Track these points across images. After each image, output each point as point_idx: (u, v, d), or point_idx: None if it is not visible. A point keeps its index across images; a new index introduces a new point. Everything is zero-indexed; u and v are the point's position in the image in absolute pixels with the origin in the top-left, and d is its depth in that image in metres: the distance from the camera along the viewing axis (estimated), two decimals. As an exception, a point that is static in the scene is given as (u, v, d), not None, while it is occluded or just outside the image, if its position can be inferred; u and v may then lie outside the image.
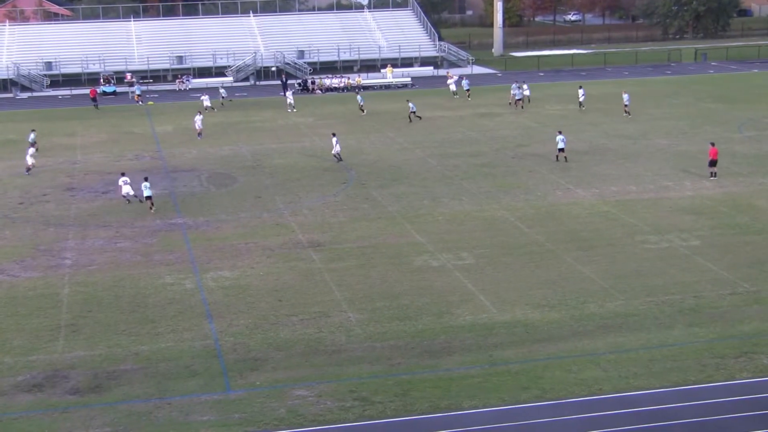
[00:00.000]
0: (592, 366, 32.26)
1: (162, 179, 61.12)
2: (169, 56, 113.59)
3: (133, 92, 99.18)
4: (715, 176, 56.89)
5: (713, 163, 57.05)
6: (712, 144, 58.13)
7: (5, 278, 42.90)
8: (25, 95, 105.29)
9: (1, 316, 38.29)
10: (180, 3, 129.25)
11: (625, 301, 38.18)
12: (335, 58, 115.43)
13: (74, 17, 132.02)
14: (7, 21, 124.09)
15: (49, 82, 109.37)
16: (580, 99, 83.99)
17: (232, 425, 28.91)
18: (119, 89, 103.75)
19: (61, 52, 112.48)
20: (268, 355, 33.98)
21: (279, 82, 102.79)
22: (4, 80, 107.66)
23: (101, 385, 31.94)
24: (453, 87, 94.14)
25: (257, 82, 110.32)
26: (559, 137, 62.10)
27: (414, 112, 79.70)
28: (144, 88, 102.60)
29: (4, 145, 74.62)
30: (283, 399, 30.51)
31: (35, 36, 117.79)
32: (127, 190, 54.35)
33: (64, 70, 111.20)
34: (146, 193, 53.55)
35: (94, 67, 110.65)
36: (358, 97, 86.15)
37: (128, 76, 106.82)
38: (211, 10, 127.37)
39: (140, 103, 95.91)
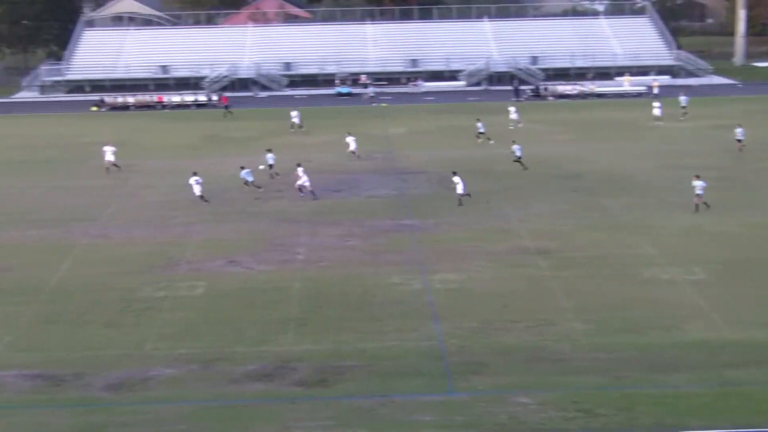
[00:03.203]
0: (831, 393, 30.73)
1: (393, 180, 62.04)
2: (403, 59, 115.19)
3: (366, 94, 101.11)
4: None
5: None
6: None
7: (241, 270, 44.52)
8: (264, 94, 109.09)
9: (236, 306, 39.77)
10: (415, 7, 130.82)
11: None
12: (568, 65, 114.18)
13: (313, 19, 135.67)
14: (250, 22, 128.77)
15: (287, 82, 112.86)
16: None
17: (453, 427, 29.03)
18: (354, 90, 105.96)
19: (300, 54, 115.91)
20: (491, 359, 33.94)
21: (511, 88, 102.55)
22: (246, 79, 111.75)
23: (327, 379, 32.69)
24: (658, 111, 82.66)
25: (489, 87, 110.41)
26: None
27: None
28: (378, 89, 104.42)
29: (243, 142, 77.44)
30: (504, 405, 30.40)
31: (276, 37, 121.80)
32: (197, 190, 56.22)
33: (301, 71, 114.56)
34: (249, 178, 58.08)
35: (330, 69, 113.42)
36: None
37: (363, 77, 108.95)
38: (445, 15, 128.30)
39: (374, 104, 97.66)
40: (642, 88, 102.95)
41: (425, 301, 39.91)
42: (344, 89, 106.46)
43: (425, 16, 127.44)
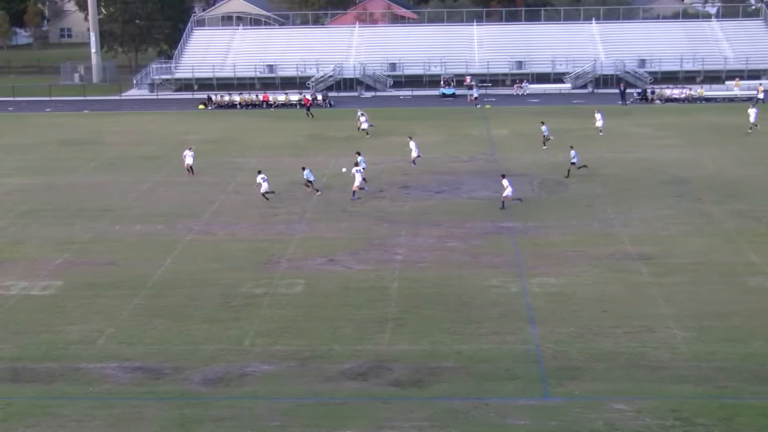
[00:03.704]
0: None
1: (495, 182, 61.67)
2: (508, 61, 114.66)
3: (471, 95, 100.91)
4: None
5: None
6: None
7: (340, 269, 44.76)
8: (369, 94, 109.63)
9: (334, 305, 40.00)
10: (522, 9, 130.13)
11: None
12: (677, 68, 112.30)
13: (419, 20, 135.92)
14: (357, 23, 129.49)
15: (392, 82, 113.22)
16: None
17: (547, 432, 28.84)
18: (458, 92, 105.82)
19: (405, 54, 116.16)
20: (588, 365, 33.55)
21: (617, 91, 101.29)
22: (351, 79, 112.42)
23: (422, 379, 32.65)
24: (753, 117, 78.96)
25: (595, 90, 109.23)
26: None
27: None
28: (482, 91, 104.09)
29: (347, 142, 77.87)
30: (600, 411, 30.01)
31: (382, 38, 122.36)
32: (265, 187, 56.93)
33: (406, 71, 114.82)
34: (310, 177, 59.00)
35: (435, 70, 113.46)
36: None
37: (467, 79, 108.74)
38: (553, 17, 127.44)
39: (477, 106, 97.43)
40: (753, 93, 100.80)
41: (523, 304, 39.63)
42: (449, 90, 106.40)
43: (532, 17, 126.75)
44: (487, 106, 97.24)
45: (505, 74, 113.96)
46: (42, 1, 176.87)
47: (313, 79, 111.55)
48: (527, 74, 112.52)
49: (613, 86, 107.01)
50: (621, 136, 78.47)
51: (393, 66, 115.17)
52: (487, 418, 29.79)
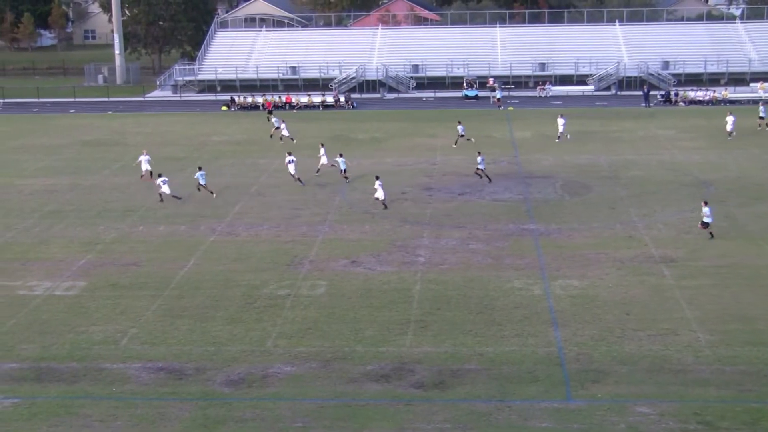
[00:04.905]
0: None
1: (517, 184, 61.67)
2: (531, 63, 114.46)
3: (494, 97, 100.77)
4: None
5: None
6: None
7: (362, 270, 44.78)
8: (391, 96, 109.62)
9: (356, 306, 40.03)
10: (546, 11, 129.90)
11: None
12: (701, 70, 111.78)
13: (442, 22, 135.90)
14: (380, 24, 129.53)
15: (414, 84, 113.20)
16: None
17: (570, 435, 28.77)
18: (481, 93, 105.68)
19: (428, 56, 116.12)
20: (611, 368, 33.45)
21: (641, 93, 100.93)
22: (374, 81, 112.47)
23: (445, 381, 32.65)
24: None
25: (618, 92, 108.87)
26: None
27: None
28: (505, 93, 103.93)
29: (370, 143, 77.95)
30: (623, 414, 29.94)
31: (404, 39, 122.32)
32: (165, 189, 57.68)
33: (429, 73, 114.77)
34: (202, 181, 59.09)
35: (458, 71, 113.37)
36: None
37: (490, 81, 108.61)
38: (576, 18, 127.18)
39: (500, 107, 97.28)
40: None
41: (546, 306, 39.55)
42: (471, 92, 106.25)
43: (555, 19, 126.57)
44: (510, 108, 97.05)
45: (528, 76, 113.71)
46: (67, 3, 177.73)
47: (335, 81, 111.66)
48: (550, 76, 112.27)
49: (636, 88, 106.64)
50: (644, 138, 78.19)
51: (416, 68, 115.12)
52: (509, 421, 29.76)
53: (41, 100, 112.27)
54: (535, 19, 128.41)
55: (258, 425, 29.89)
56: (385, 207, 55.64)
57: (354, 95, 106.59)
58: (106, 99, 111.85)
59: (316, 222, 53.47)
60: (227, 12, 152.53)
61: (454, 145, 74.54)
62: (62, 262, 47.14)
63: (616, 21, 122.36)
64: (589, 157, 69.84)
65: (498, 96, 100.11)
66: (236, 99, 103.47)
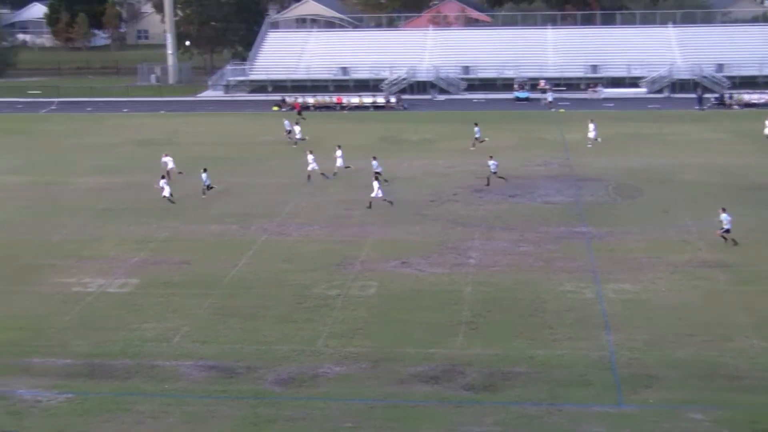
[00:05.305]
0: None
1: (569, 187, 61.31)
2: (583, 65, 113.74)
3: (545, 99, 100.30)
4: None
5: None
6: None
7: (413, 272, 44.73)
8: (442, 97, 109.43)
9: (406, 308, 40.00)
10: (598, 12, 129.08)
11: None
12: (756, 73, 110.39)
13: (493, 23, 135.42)
14: (431, 26, 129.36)
15: (465, 85, 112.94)
16: None
17: (622, 440, 28.54)
18: (532, 95, 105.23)
19: (479, 57, 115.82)
20: (663, 373, 33.14)
21: (694, 96, 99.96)
22: (424, 82, 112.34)
23: (495, 384, 32.53)
24: None
25: (671, 95, 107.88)
26: None
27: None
28: (556, 95, 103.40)
29: (421, 145, 77.89)
30: (676, 420, 29.66)
31: (455, 41, 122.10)
32: (167, 192, 58.17)
33: (480, 75, 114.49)
34: (206, 182, 59.40)
35: (509, 73, 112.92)
36: None
37: (541, 83, 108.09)
38: (629, 20, 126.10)
39: (552, 110, 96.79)
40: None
41: (598, 310, 39.28)
42: (522, 94, 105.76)
43: (608, 21, 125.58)
44: (561, 110, 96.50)
45: (580, 78, 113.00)
46: (120, 3, 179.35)
47: (386, 82, 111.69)
48: (602, 78, 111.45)
49: (689, 91, 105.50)
50: (697, 141, 77.43)
51: (466, 69, 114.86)
52: (559, 425, 29.61)
53: (95, 99, 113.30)
54: (587, 21, 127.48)
55: (307, 425, 29.96)
56: (391, 203, 56.46)
57: (404, 96, 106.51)
58: (158, 99, 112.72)
59: (366, 222, 53.50)
60: (278, 13, 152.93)
61: (472, 148, 74.27)
62: (115, 259, 47.57)
63: (670, 23, 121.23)
64: (641, 160, 69.25)
65: (549, 98, 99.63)
66: (287, 99, 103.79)
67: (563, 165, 68.77)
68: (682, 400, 31.11)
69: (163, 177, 59.61)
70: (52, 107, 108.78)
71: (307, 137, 78.40)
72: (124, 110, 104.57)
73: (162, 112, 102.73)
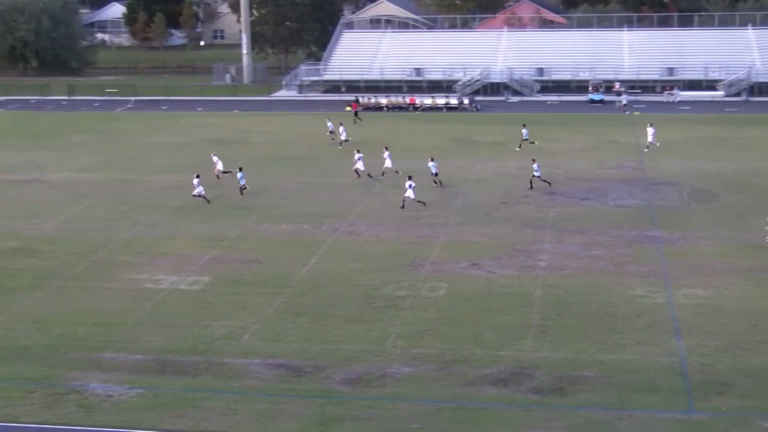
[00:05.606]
0: None
1: (642, 191, 60.68)
2: (659, 67, 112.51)
3: (619, 101, 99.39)
4: None
5: None
6: None
7: (483, 274, 44.60)
8: (515, 99, 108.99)
9: (476, 310, 39.87)
10: (675, 14, 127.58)
11: None
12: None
13: (568, 25, 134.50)
14: (506, 27, 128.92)
15: (539, 87, 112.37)
16: None
17: (692, 447, 28.16)
18: (606, 98, 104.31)
19: (553, 59, 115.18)
20: (736, 380, 32.62)
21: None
22: (498, 83, 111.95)
23: (563, 388, 32.28)
24: None
25: (749, 98, 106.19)
26: None
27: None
28: (631, 98, 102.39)
29: (493, 146, 77.65)
30: (748, 428, 29.18)
31: (530, 42, 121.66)
32: (197, 191, 58.41)
33: (554, 77, 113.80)
34: (242, 182, 59.70)
35: (583, 75, 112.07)
36: None
37: (616, 85, 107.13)
38: (706, 22, 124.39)
39: (626, 112, 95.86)
40: None
41: (669, 315, 38.80)
42: (597, 96, 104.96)
43: (685, 23, 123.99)
44: (636, 113, 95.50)
45: (656, 80, 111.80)
46: (197, 3, 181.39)
47: (459, 83, 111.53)
48: (678, 81, 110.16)
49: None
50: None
51: (540, 71, 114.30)
52: (629, 430, 29.27)
53: (170, 98, 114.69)
54: (664, 23, 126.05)
55: (375, 425, 29.98)
56: (424, 203, 56.33)
57: (478, 98, 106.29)
58: (232, 98, 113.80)
59: (437, 223, 53.45)
60: (353, 13, 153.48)
61: (517, 149, 73.84)
62: (187, 257, 48.08)
63: (749, 25, 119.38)
64: (716, 164, 68.30)
65: (624, 101, 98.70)
66: (360, 100, 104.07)
67: (636, 168, 68.08)
68: (756, 408, 30.58)
69: (197, 176, 59.66)
70: (129, 105, 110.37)
71: (350, 138, 78.15)
72: (199, 109, 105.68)
73: (236, 111, 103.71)
